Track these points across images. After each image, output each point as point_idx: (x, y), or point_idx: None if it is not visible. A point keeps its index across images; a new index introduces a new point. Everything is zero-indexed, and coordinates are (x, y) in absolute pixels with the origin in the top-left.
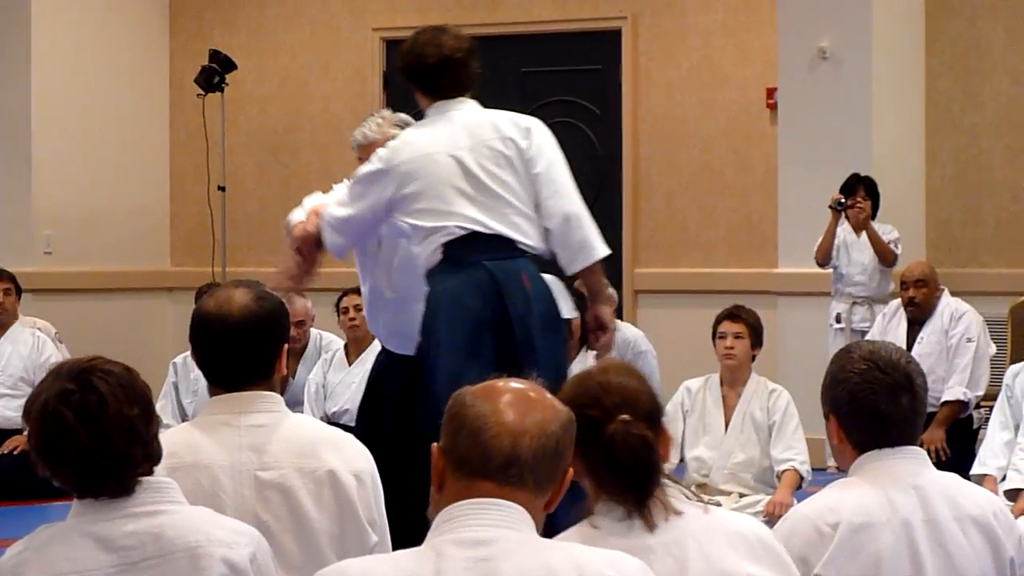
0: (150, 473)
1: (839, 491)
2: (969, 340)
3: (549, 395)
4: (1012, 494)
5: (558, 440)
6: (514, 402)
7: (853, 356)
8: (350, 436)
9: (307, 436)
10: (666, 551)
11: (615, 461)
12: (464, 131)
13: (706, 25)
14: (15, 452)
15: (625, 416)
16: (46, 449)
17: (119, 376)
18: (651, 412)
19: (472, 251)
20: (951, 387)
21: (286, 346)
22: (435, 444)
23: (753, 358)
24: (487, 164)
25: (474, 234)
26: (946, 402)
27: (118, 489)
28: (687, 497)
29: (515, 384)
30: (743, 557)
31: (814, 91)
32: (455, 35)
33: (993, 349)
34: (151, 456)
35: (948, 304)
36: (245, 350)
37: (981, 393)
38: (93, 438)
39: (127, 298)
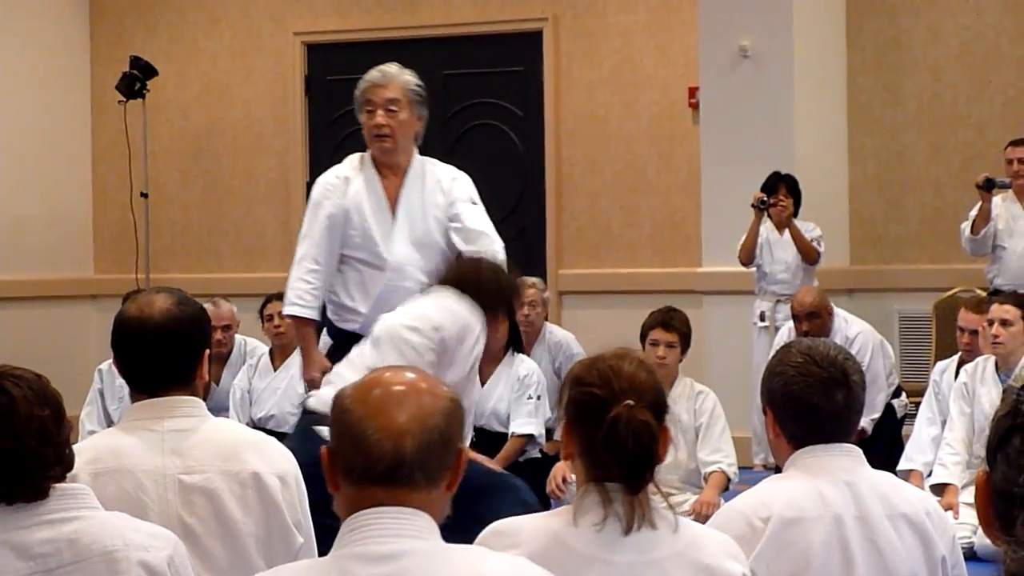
0: (63, 479)
1: (772, 486)
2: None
3: (428, 379)
4: (938, 489)
5: (441, 432)
6: (393, 401)
7: (792, 350)
8: (272, 439)
9: (230, 439)
10: (630, 572)
11: (616, 444)
12: None
13: (627, 25)
14: None
15: (631, 401)
16: None
17: (29, 380)
18: (656, 405)
19: None
20: None
21: (207, 351)
22: (323, 447)
23: (680, 360)
24: None
25: None
26: None
27: (31, 493)
28: (662, 503)
29: (391, 376)
30: None
31: (736, 90)
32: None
33: (891, 358)
34: (63, 460)
35: (840, 329)
36: (166, 355)
37: (877, 415)
38: (5, 439)
39: (51, 306)
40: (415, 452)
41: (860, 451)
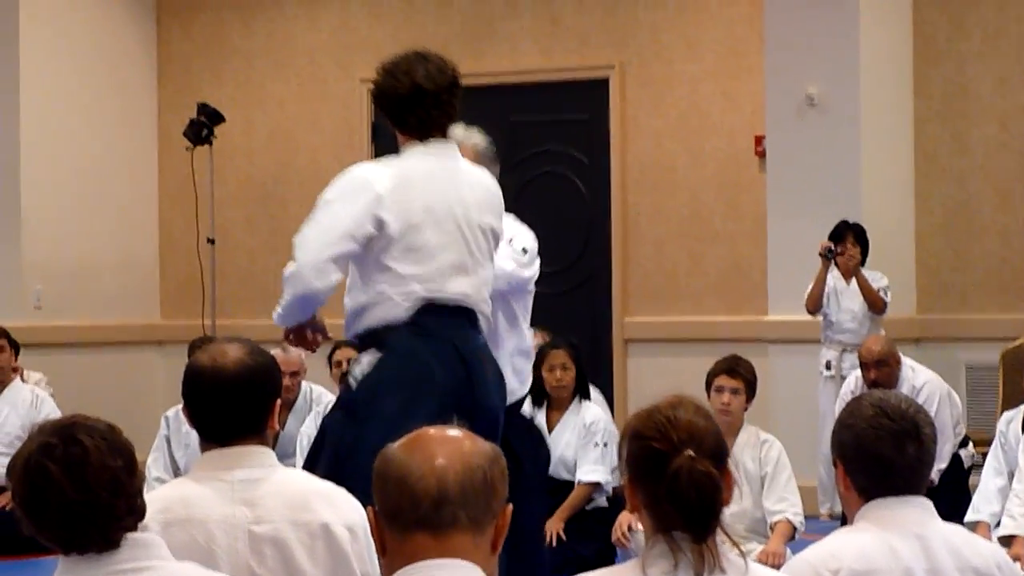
0: (135, 529)
1: (842, 537)
2: None
3: (473, 435)
4: (1006, 540)
5: (485, 472)
6: (435, 443)
7: (863, 403)
8: (342, 489)
9: (299, 489)
10: None
11: (680, 496)
12: (463, 188)
13: (693, 73)
14: (6, 508)
15: (691, 452)
16: (31, 504)
17: (101, 431)
18: (717, 451)
19: (444, 323)
20: None
21: (278, 401)
22: (370, 507)
23: (745, 409)
24: (478, 235)
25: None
26: None
27: (103, 543)
28: (731, 546)
29: (437, 429)
30: None
31: (802, 138)
32: (439, 65)
33: (959, 408)
34: (135, 510)
35: (907, 378)
36: (239, 405)
37: (944, 466)
38: (77, 490)
39: (118, 352)
40: (458, 489)
41: (931, 504)
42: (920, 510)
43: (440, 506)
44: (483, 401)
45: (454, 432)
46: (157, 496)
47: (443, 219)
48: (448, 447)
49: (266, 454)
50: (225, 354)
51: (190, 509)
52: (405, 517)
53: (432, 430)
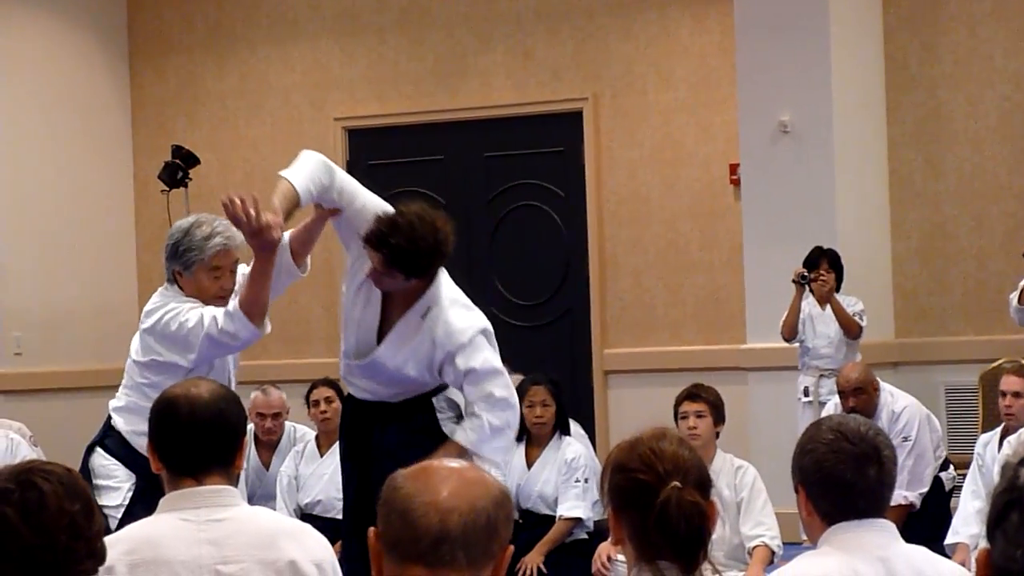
0: (95, 572)
1: (806, 562)
2: (906, 439)
3: (484, 472)
4: (952, 548)
5: (489, 515)
6: (443, 479)
7: (822, 427)
8: (308, 526)
9: (266, 528)
10: None
11: (669, 527)
12: None
13: (667, 103)
14: None
15: (677, 483)
16: None
17: (59, 475)
18: (702, 481)
19: None
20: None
21: (246, 439)
22: (372, 528)
23: (717, 435)
24: None
25: None
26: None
27: None
28: (712, 573)
29: (447, 463)
30: None
31: (777, 165)
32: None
33: (938, 431)
34: (95, 553)
35: (886, 404)
36: (213, 435)
37: (925, 489)
38: (36, 534)
39: (98, 396)
40: (460, 530)
41: (893, 526)
42: (882, 533)
43: (439, 544)
44: None
45: (464, 467)
46: (123, 537)
47: None
48: (456, 485)
49: (232, 493)
50: (199, 386)
51: (157, 550)
52: (404, 549)
53: (443, 464)
